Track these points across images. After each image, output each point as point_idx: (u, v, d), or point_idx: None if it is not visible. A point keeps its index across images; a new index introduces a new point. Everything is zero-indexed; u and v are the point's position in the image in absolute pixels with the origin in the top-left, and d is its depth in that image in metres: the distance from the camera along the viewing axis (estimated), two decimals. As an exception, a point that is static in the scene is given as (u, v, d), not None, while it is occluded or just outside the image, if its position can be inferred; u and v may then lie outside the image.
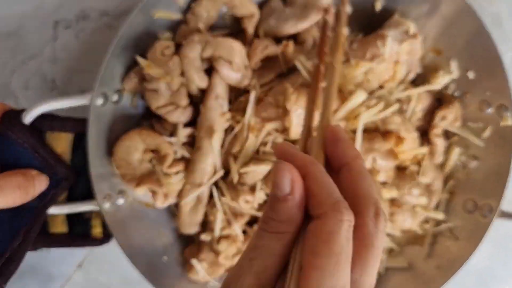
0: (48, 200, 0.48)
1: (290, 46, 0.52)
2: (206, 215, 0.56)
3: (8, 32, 0.59)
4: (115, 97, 0.52)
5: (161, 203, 0.54)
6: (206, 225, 0.57)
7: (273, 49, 0.53)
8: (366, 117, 0.51)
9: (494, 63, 0.51)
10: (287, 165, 0.28)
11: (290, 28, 0.53)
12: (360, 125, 0.50)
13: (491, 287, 0.65)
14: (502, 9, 0.61)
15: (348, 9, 0.45)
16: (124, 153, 0.52)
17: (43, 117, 0.47)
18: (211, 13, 0.53)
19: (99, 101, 0.49)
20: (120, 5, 0.58)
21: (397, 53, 0.52)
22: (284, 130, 0.52)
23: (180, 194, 0.55)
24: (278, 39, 0.54)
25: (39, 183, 0.46)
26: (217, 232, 0.55)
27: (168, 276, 0.56)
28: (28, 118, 0.46)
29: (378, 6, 0.55)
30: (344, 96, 0.51)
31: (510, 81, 0.51)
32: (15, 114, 0.46)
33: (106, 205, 0.51)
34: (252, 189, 0.53)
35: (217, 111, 0.52)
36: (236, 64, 0.51)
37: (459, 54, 0.54)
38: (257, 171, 0.52)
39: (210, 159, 0.53)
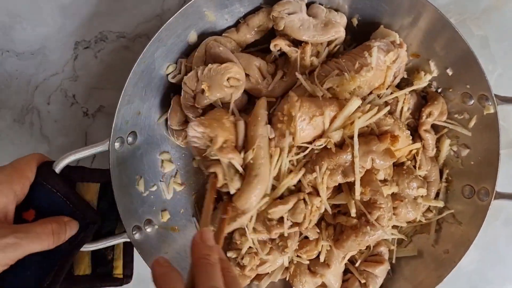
0: (77, 243, 0.52)
1: (308, 49, 0.57)
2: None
3: (32, 51, 0.63)
4: (130, 139, 0.57)
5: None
6: (230, 243, 0.61)
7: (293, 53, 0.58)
8: (361, 122, 0.55)
9: (468, 58, 0.57)
10: None
11: (309, 37, 0.58)
12: (356, 130, 0.54)
13: (481, 289, 0.67)
14: (489, 33, 0.67)
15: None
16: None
17: (73, 168, 0.54)
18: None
19: (117, 145, 0.55)
20: (136, 29, 0.64)
21: (384, 61, 0.57)
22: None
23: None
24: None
25: (70, 228, 0.51)
26: (243, 253, 0.59)
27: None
28: (58, 168, 0.52)
29: (355, 22, 0.61)
30: (342, 103, 0.56)
31: (487, 75, 0.56)
32: (49, 165, 0.51)
33: (136, 236, 0.56)
34: (280, 220, 0.57)
35: (267, 137, 0.55)
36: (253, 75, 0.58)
37: (435, 55, 0.60)
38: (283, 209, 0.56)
39: (264, 185, 0.55)
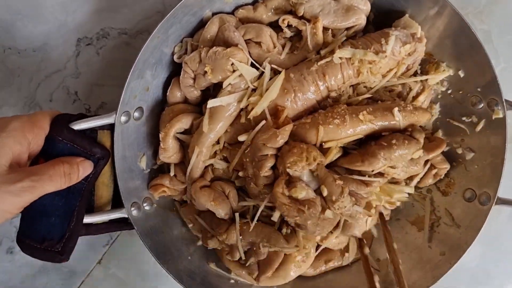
0: (90, 180, 0.53)
1: (319, 24, 0.55)
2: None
3: (33, 48, 0.63)
4: (136, 114, 0.56)
5: None
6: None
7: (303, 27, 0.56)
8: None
9: (481, 61, 0.55)
10: None
11: (328, 22, 0.56)
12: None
13: (483, 285, 0.68)
14: (492, 27, 0.66)
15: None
16: None
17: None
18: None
19: (123, 119, 0.54)
20: (137, 25, 0.63)
21: (399, 52, 0.55)
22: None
23: None
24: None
25: (83, 168, 0.51)
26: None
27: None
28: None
29: (371, 16, 0.59)
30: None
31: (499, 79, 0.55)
32: (60, 118, 0.51)
33: (134, 212, 0.56)
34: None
35: None
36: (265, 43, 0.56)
37: (448, 55, 0.58)
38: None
39: None
